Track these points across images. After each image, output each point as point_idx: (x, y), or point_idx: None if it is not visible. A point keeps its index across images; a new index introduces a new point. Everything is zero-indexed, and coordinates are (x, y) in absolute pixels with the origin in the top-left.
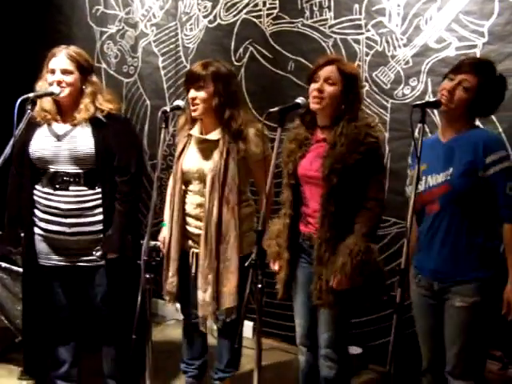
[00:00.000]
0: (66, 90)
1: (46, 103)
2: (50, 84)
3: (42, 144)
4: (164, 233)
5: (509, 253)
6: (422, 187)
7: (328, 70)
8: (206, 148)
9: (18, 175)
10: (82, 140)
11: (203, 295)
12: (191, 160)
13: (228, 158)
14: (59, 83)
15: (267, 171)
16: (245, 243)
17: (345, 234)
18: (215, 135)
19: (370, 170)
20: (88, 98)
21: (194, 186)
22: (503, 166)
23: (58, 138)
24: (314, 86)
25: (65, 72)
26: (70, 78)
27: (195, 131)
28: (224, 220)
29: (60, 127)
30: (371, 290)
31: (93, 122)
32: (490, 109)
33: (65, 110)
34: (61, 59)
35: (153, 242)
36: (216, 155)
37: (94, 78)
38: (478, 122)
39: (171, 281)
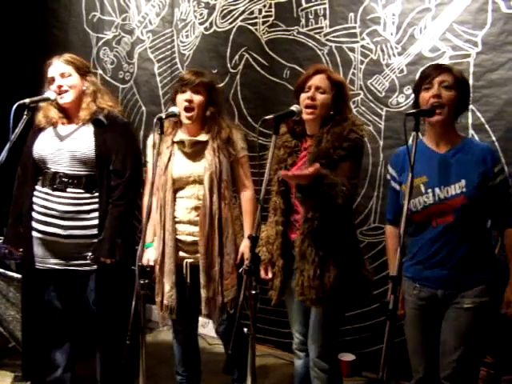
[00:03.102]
0: (69, 96)
1: (50, 111)
2: (55, 92)
3: (44, 144)
4: (149, 254)
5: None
6: (430, 200)
7: (318, 79)
8: (196, 151)
9: (23, 176)
10: (83, 142)
11: (207, 293)
12: (182, 166)
13: (220, 156)
14: (60, 87)
15: (249, 170)
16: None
17: (327, 230)
18: (204, 137)
19: (348, 159)
20: (90, 97)
21: (186, 191)
22: (505, 175)
23: (61, 139)
24: (305, 95)
25: (63, 75)
26: (69, 80)
27: (182, 137)
28: (223, 216)
29: (64, 128)
30: (356, 288)
31: (95, 123)
32: (466, 104)
33: (70, 113)
34: (57, 65)
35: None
36: (208, 154)
37: (93, 78)
38: (471, 131)
39: (170, 294)
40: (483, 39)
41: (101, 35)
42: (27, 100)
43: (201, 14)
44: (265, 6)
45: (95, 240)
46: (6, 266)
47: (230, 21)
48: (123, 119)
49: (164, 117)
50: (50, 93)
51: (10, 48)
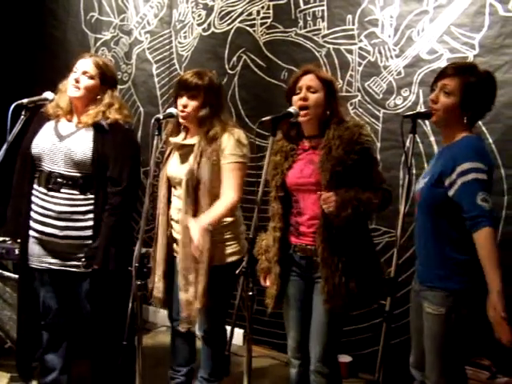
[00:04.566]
0: (79, 92)
1: (62, 100)
2: (69, 82)
3: (42, 140)
4: None
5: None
6: (415, 187)
7: (308, 79)
8: (185, 153)
9: (23, 169)
10: (82, 144)
11: (185, 295)
12: (173, 166)
13: (201, 162)
14: (76, 81)
15: (242, 177)
16: (227, 251)
17: (345, 236)
18: (193, 140)
19: (368, 166)
20: (103, 107)
21: (177, 191)
22: (468, 178)
23: (60, 138)
24: (297, 97)
25: (85, 73)
26: (87, 81)
27: (178, 138)
28: None
29: (66, 127)
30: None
31: (96, 128)
32: (482, 109)
33: (75, 110)
34: (86, 62)
35: (144, 249)
36: (191, 159)
37: (116, 93)
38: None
39: (158, 286)
40: (480, 42)
41: (99, 36)
42: (25, 100)
43: (199, 15)
44: (263, 7)
45: (89, 241)
46: (3, 266)
47: (228, 22)
48: (126, 126)
49: (161, 117)
50: (47, 93)
51: (8, 48)
